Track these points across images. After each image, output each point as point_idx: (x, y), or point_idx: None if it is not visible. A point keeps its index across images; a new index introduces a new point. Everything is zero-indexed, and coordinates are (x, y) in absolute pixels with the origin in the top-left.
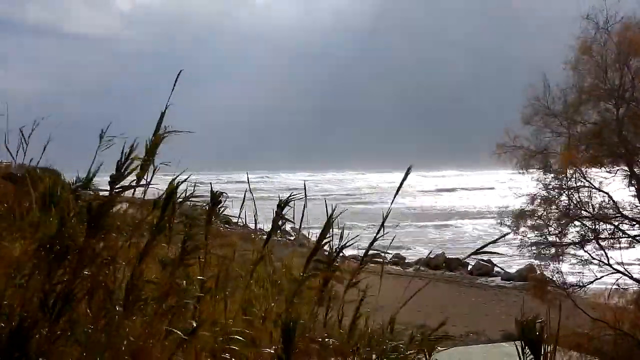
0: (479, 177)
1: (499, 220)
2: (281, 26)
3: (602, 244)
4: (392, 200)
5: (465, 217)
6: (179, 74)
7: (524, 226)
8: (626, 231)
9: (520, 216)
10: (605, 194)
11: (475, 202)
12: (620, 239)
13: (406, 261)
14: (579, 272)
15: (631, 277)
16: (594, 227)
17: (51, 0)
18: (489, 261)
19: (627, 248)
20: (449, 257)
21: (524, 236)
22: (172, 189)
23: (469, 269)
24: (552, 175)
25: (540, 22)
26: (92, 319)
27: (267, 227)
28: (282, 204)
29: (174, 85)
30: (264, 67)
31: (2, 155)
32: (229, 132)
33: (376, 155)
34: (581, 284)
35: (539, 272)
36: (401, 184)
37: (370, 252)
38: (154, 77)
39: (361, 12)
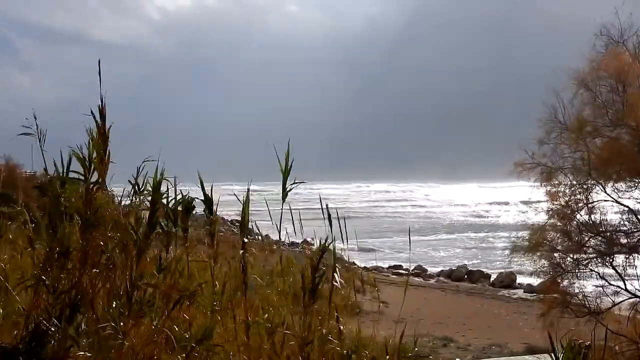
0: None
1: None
2: (312, 35)
3: (621, 259)
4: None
5: (498, 230)
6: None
7: (540, 251)
8: None
9: (534, 246)
10: (625, 207)
11: (514, 215)
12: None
13: (428, 273)
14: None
15: None
16: (613, 241)
17: (80, 8)
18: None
19: None
20: (471, 269)
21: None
22: (156, 186)
23: (491, 281)
24: (570, 190)
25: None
26: (97, 325)
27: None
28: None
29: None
30: (294, 74)
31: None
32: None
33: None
34: (601, 309)
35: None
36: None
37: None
38: (183, 86)
39: (393, 19)
